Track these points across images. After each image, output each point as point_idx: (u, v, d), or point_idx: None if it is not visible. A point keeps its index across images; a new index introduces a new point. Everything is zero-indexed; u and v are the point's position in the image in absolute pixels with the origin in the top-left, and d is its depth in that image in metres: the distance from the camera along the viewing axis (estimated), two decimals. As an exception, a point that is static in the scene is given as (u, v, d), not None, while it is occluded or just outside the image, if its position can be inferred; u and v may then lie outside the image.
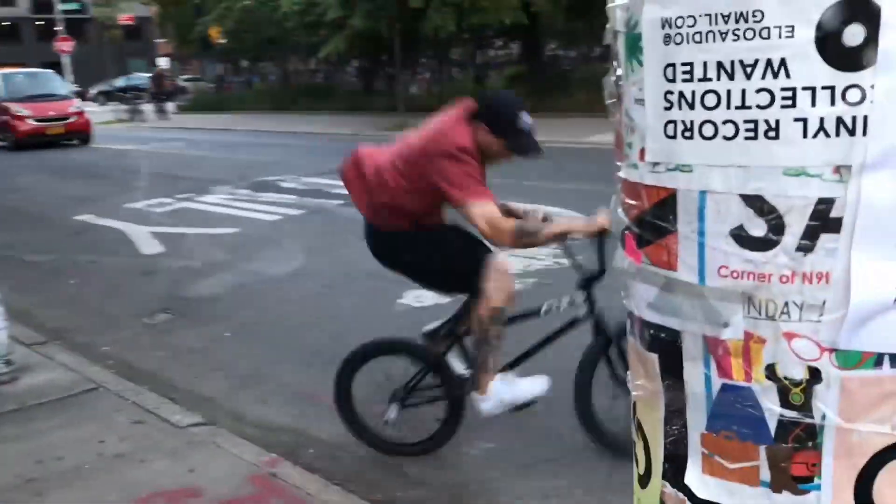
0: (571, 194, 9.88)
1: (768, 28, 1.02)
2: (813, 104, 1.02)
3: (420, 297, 6.36)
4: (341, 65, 35.25)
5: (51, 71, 24.39)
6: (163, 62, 37.68)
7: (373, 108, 28.16)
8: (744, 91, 1.06)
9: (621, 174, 1.26)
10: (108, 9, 36.68)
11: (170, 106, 31.95)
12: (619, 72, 1.23)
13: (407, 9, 21.03)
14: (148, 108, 31.14)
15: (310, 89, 34.42)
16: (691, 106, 1.10)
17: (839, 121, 1.01)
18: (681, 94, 1.11)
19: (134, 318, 6.31)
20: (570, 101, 23.07)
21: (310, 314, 6.21)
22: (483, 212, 3.21)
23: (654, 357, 1.25)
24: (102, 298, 6.91)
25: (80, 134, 21.53)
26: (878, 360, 1.08)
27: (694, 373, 1.19)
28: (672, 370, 1.22)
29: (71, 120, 21.30)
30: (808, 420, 1.12)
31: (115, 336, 5.89)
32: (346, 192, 3.73)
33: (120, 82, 38.25)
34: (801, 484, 1.13)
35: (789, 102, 1.03)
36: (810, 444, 1.13)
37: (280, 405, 4.59)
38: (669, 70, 1.12)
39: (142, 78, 45.02)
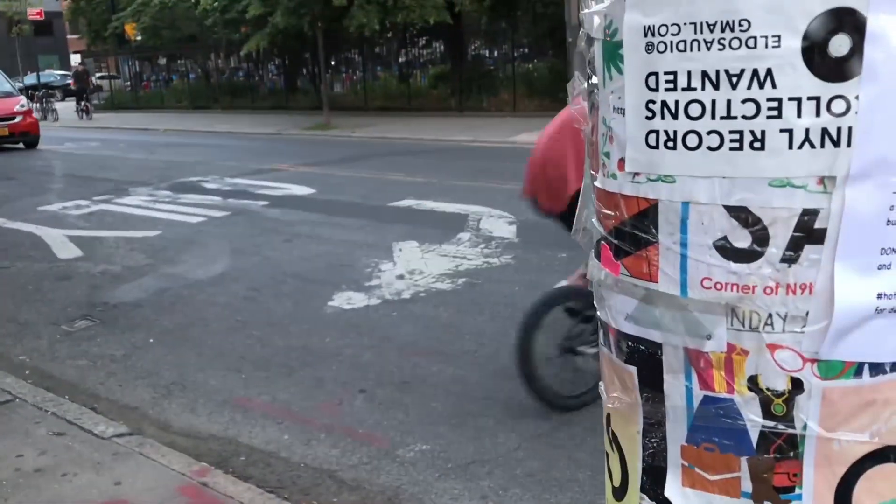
0: (497, 193, 9.97)
1: (755, 37, 1.01)
2: (799, 115, 1.02)
3: (350, 299, 6.30)
4: (264, 62, 34.75)
5: None
6: (76, 59, 36.48)
7: (296, 107, 27.93)
8: (729, 101, 1.05)
9: (597, 184, 1.24)
10: (16, 2, 35.23)
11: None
12: (595, 80, 1.21)
13: (330, 6, 20.86)
14: (61, 106, 30.11)
15: (231, 87, 33.88)
16: (674, 116, 1.09)
17: (824, 132, 1.02)
18: (664, 104, 1.10)
19: (51, 325, 6.08)
20: (494, 101, 23.32)
21: (236, 318, 6.09)
22: None
23: (633, 370, 1.24)
24: (16, 306, 6.64)
25: (26, 136, 19.62)
26: (858, 369, 1.09)
27: (674, 385, 1.18)
28: (651, 383, 1.21)
29: (16, 120, 19.36)
30: (790, 430, 1.12)
31: (32, 345, 5.67)
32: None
33: (30, 79, 36.82)
34: (783, 494, 1.14)
35: (775, 113, 1.02)
36: (791, 454, 1.13)
37: (208, 413, 4.50)
38: (652, 79, 1.10)
39: (53, 75, 43.47)
